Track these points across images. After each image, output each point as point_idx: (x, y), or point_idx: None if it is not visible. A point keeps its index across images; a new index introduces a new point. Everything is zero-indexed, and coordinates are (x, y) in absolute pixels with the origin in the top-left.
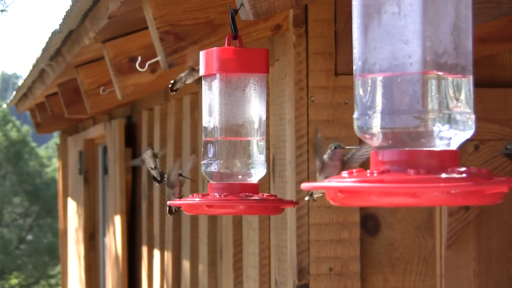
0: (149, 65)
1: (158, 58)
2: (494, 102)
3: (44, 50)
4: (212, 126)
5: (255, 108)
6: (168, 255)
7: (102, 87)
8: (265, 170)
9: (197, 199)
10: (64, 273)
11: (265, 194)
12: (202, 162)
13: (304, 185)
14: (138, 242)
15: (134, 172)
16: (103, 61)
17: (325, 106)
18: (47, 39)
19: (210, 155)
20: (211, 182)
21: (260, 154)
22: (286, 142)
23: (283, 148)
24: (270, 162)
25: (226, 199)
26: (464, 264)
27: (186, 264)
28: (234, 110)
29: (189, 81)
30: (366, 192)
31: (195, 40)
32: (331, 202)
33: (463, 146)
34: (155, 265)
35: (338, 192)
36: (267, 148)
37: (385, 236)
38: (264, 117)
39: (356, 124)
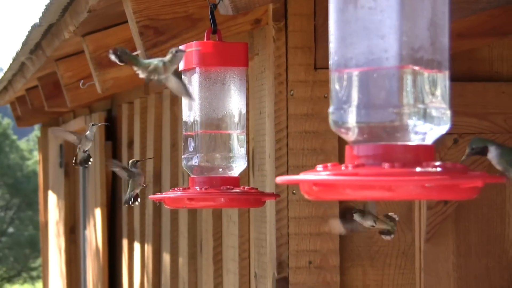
0: None
1: (138, 52)
2: (473, 97)
3: (24, 43)
4: (192, 120)
5: (235, 102)
6: (148, 249)
7: (82, 81)
8: (246, 163)
9: (178, 192)
10: (45, 266)
11: (246, 187)
12: (182, 157)
13: (279, 179)
14: (118, 235)
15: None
16: (83, 54)
17: (305, 100)
18: (27, 33)
19: (191, 149)
20: (192, 176)
21: (240, 148)
22: (265, 136)
23: (262, 142)
24: (250, 156)
25: (207, 192)
26: (443, 257)
27: (166, 257)
28: (214, 104)
29: (86, 148)
30: (341, 186)
31: (174, 34)
32: (306, 196)
33: (442, 140)
34: (136, 258)
35: (313, 186)
36: (247, 142)
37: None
38: (244, 111)
39: (331, 118)
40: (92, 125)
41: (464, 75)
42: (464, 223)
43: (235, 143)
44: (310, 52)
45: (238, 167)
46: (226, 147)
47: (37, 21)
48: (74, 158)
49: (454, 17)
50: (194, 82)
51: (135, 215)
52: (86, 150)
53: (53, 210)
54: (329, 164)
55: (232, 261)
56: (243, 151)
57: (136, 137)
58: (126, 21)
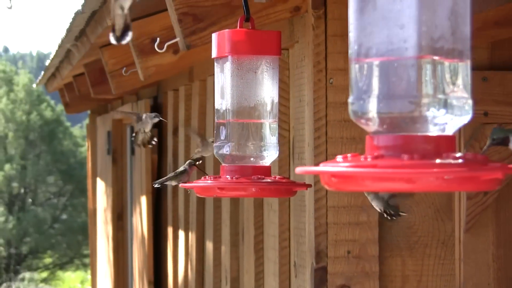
0: (171, 46)
1: (177, 39)
2: None
3: (68, 30)
4: (224, 108)
5: (267, 91)
6: (192, 236)
7: (124, 68)
8: (277, 152)
9: (209, 181)
10: (93, 253)
11: (277, 177)
12: (214, 145)
13: (299, 169)
14: (164, 222)
15: (160, 153)
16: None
17: (344, 88)
18: (71, 20)
19: (222, 137)
20: (223, 164)
21: (272, 136)
22: (305, 124)
23: (302, 130)
24: (290, 144)
25: (237, 182)
26: (483, 248)
27: (209, 246)
28: (246, 92)
29: (148, 129)
30: (360, 177)
31: (213, 22)
32: (326, 187)
33: (482, 129)
34: (180, 246)
35: (332, 177)
36: (287, 130)
37: (403, 219)
38: (276, 100)
39: (351, 108)
40: (154, 116)
41: (505, 64)
42: (504, 213)
43: (267, 132)
44: None
45: (269, 156)
46: (258, 136)
47: (80, 8)
48: (135, 139)
49: (490, 6)
50: (226, 70)
51: (180, 203)
52: (147, 131)
53: (101, 197)
54: (349, 155)
55: (273, 250)
56: (274, 140)
57: (181, 124)
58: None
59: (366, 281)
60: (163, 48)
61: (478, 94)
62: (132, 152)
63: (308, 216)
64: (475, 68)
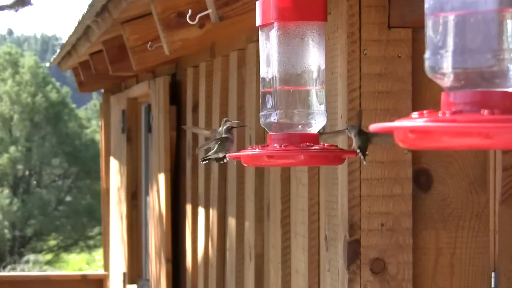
0: (198, 19)
1: (209, 11)
2: None
3: (91, 5)
4: (270, 76)
5: (314, 57)
6: (213, 213)
7: (149, 43)
8: (325, 119)
9: (257, 150)
10: (105, 233)
11: (325, 144)
12: (260, 114)
13: (374, 126)
14: (182, 200)
15: (178, 130)
16: (149, 17)
17: (378, 59)
18: None
19: (269, 106)
20: (270, 133)
21: (320, 104)
22: (337, 96)
23: (334, 103)
24: None
25: (286, 150)
26: None
27: (232, 222)
28: (293, 59)
29: (221, 154)
30: (438, 132)
31: None
32: (400, 145)
33: None
34: (200, 223)
35: (409, 133)
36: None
37: (437, 192)
38: (323, 66)
39: (427, 64)
40: (226, 121)
41: None
42: None
43: (314, 99)
44: (384, 11)
45: (317, 123)
46: (306, 103)
47: None
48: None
49: None
50: (272, 37)
51: (200, 180)
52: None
53: (115, 176)
54: (425, 112)
55: (302, 224)
56: (322, 107)
57: (202, 101)
58: None
59: (400, 254)
60: (195, 20)
61: None
62: (149, 129)
63: (341, 189)
64: None
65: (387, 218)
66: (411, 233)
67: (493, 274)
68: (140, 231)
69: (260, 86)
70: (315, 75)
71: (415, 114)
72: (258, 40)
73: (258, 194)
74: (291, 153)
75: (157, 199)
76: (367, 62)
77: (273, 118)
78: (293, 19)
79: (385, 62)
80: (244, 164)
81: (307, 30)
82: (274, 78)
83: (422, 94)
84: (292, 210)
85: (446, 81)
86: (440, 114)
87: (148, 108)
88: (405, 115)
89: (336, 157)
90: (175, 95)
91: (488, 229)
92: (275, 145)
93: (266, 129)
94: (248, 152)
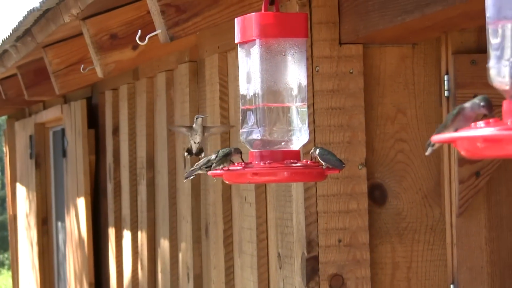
0: (131, 41)
1: (158, 31)
2: None
3: (14, 30)
4: (252, 93)
5: (296, 74)
6: (142, 235)
7: (82, 65)
8: (308, 136)
9: (239, 167)
10: (14, 259)
11: (308, 161)
12: (241, 131)
13: (436, 137)
14: (102, 224)
15: (97, 154)
16: (72, 40)
17: (330, 76)
18: (21, 19)
19: (251, 123)
20: (252, 150)
21: (302, 121)
22: None
23: None
24: None
25: (271, 167)
26: (476, 231)
27: (164, 243)
28: (275, 76)
29: (197, 140)
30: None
31: (196, 12)
32: (463, 153)
33: None
34: (125, 247)
35: (480, 142)
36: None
37: (392, 206)
38: (305, 83)
39: (491, 73)
40: (196, 118)
41: None
42: (495, 196)
43: (296, 116)
44: (335, 27)
45: (299, 140)
46: (289, 120)
47: (37, 5)
48: (188, 149)
49: None
50: (254, 54)
51: (124, 203)
52: (198, 142)
53: (23, 202)
54: (491, 120)
55: (249, 243)
56: (305, 123)
57: (123, 123)
58: (127, 3)
59: (358, 269)
60: (144, 41)
61: (467, 77)
62: (64, 154)
63: (296, 206)
64: (463, 51)
65: (344, 234)
66: (368, 248)
67: (452, 286)
68: (52, 256)
69: (240, 104)
70: (297, 91)
71: (481, 123)
72: (190, 61)
73: (195, 215)
74: (276, 170)
75: (76, 223)
76: (320, 78)
77: (256, 135)
78: (275, 36)
79: (337, 79)
80: (226, 182)
81: (289, 46)
82: (257, 95)
83: (374, 109)
84: (236, 229)
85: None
86: (509, 122)
87: (62, 133)
88: (359, 130)
89: (319, 173)
90: (92, 119)
91: (444, 242)
92: (258, 162)
93: (247, 146)
94: (232, 169)
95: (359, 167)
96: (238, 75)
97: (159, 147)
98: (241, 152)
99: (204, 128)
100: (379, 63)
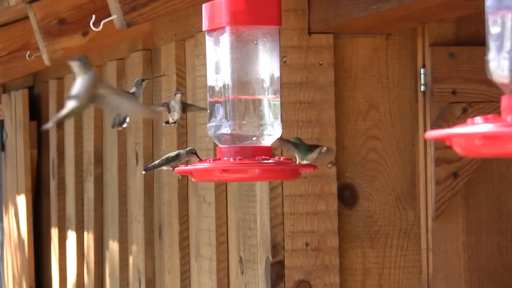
0: (80, 27)
1: (114, 17)
2: (482, 62)
3: None
4: (221, 84)
5: (269, 64)
6: (88, 237)
7: (28, 52)
8: (281, 131)
9: (206, 164)
10: None
11: (281, 158)
12: (208, 125)
13: (430, 134)
14: (44, 224)
15: (40, 148)
16: (15, 25)
17: (298, 67)
18: None
19: (219, 116)
20: (220, 146)
21: (275, 114)
22: None
23: None
24: None
25: (242, 163)
26: (453, 236)
27: (113, 246)
28: (246, 66)
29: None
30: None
31: None
32: (458, 151)
33: (451, 109)
34: (70, 249)
35: (478, 139)
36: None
37: (363, 208)
38: (278, 74)
39: (490, 66)
40: (175, 94)
41: (472, 39)
42: (474, 198)
43: (269, 109)
44: (304, 16)
45: (272, 136)
46: (260, 113)
47: None
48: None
49: None
50: (223, 43)
51: (68, 201)
52: (176, 119)
53: None
54: (489, 116)
55: (207, 246)
56: (278, 117)
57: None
58: None
59: (326, 275)
60: (99, 27)
61: (445, 71)
62: (2, 148)
63: (260, 206)
64: (441, 43)
65: (312, 237)
66: (338, 253)
67: None
68: None
69: (207, 96)
70: (269, 83)
71: (478, 119)
72: (144, 49)
73: (148, 215)
74: (247, 166)
75: (16, 223)
76: (287, 70)
77: (225, 129)
78: (246, 23)
79: (306, 70)
80: (193, 179)
81: (261, 34)
82: (226, 86)
83: (345, 103)
84: (192, 231)
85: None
86: (509, 118)
87: (0, 125)
88: (328, 126)
89: (293, 171)
90: (34, 110)
91: (419, 247)
92: (227, 158)
93: (215, 141)
94: (198, 166)
95: (329, 166)
96: (195, 65)
97: (108, 141)
98: (196, 153)
99: (184, 105)
100: (350, 55)
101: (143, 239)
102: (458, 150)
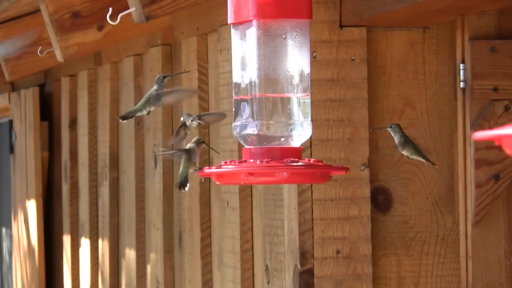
0: (95, 21)
1: (132, 9)
2: None
3: None
4: (247, 81)
5: (298, 60)
6: (103, 245)
7: (40, 48)
8: (311, 131)
9: (230, 166)
10: None
11: (311, 160)
12: (233, 124)
13: (479, 134)
14: (56, 231)
15: (51, 150)
16: (26, 18)
17: (329, 63)
18: None
19: (246, 115)
20: (246, 147)
21: (304, 113)
22: None
23: None
24: None
25: (269, 166)
26: (494, 243)
27: (130, 254)
28: (274, 62)
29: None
30: None
31: None
32: (509, 153)
33: (492, 108)
34: (83, 257)
35: None
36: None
37: (398, 213)
38: (308, 70)
39: None
40: (192, 120)
41: None
42: None
43: (298, 108)
44: (335, 8)
45: (302, 136)
46: (288, 112)
47: None
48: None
49: None
50: (249, 37)
51: (82, 206)
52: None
53: None
54: None
55: (231, 254)
56: (308, 117)
57: (83, 115)
58: None
59: (358, 284)
60: (116, 20)
61: (486, 67)
62: (11, 150)
63: (288, 211)
64: (481, 37)
65: (344, 244)
66: (371, 261)
67: None
68: None
69: (233, 93)
70: (298, 80)
71: None
72: (163, 44)
73: (167, 221)
74: (275, 169)
75: (25, 229)
76: (317, 66)
77: (252, 129)
78: (275, 16)
79: (337, 66)
80: (217, 182)
81: (290, 28)
82: (253, 83)
83: (379, 102)
84: (215, 238)
85: None
86: None
87: (9, 125)
88: (361, 126)
89: (323, 174)
90: (45, 109)
91: (458, 254)
92: (253, 160)
93: (241, 141)
94: (224, 169)
95: (361, 168)
96: (218, 61)
97: (124, 142)
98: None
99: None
100: (385, 49)
101: (162, 247)
102: (508, 151)
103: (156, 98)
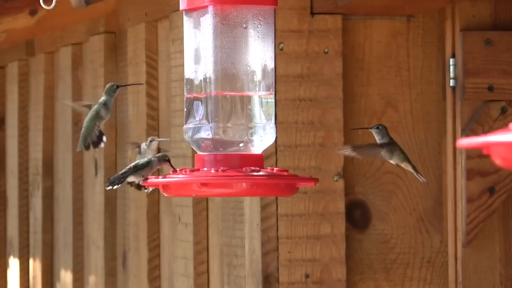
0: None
1: None
2: None
3: None
4: (201, 77)
5: (261, 53)
6: (35, 265)
7: None
8: (274, 135)
9: (180, 176)
10: None
11: (274, 169)
12: (185, 127)
13: (464, 142)
14: None
15: None
16: None
17: (298, 56)
18: None
19: (199, 116)
20: (200, 153)
21: (267, 115)
22: None
23: None
24: None
25: (226, 175)
26: (487, 267)
27: (65, 276)
28: (233, 55)
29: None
30: None
31: None
32: (498, 163)
33: (485, 109)
34: (12, 279)
35: None
36: None
37: (377, 231)
38: (272, 65)
39: None
40: (151, 141)
41: None
42: None
43: (261, 108)
44: None
45: (264, 141)
46: (249, 114)
47: None
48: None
49: None
50: (205, 26)
51: (10, 220)
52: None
53: None
54: None
55: (183, 277)
56: (271, 119)
57: (12, 113)
58: None
59: None
60: (51, 4)
61: (480, 62)
62: None
63: (249, 228)
64: (475, 28)
65: (314, 267)
66: (345, 287)
67: None
68: None
69: (185, 91)
70: (261, 76)
71: None
72: (106, 32)
73: (109, 238)
74: (232, 179)
75: None
76: (284, 60)
77: (206, 132)
78: (234, 2)
79: (308, 60)
80: (165, 194)
81: (252, 16)
82: (207, 79)
83: (356, 101)
84: (164, 258)
85: None
86: None
87: None
88: (335, 129)
89: (288, 186)
90: None
91: (446, 280)
92: (207, 168)
93: (193, 147)
94: (174, 178)
95: (335, 179)
96: (171, 53)
97: (60, 146)
98: (169, 160)
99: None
100: (363, 41)
101: (103, 268)
102: (498, 161)
103: (106, 111)
